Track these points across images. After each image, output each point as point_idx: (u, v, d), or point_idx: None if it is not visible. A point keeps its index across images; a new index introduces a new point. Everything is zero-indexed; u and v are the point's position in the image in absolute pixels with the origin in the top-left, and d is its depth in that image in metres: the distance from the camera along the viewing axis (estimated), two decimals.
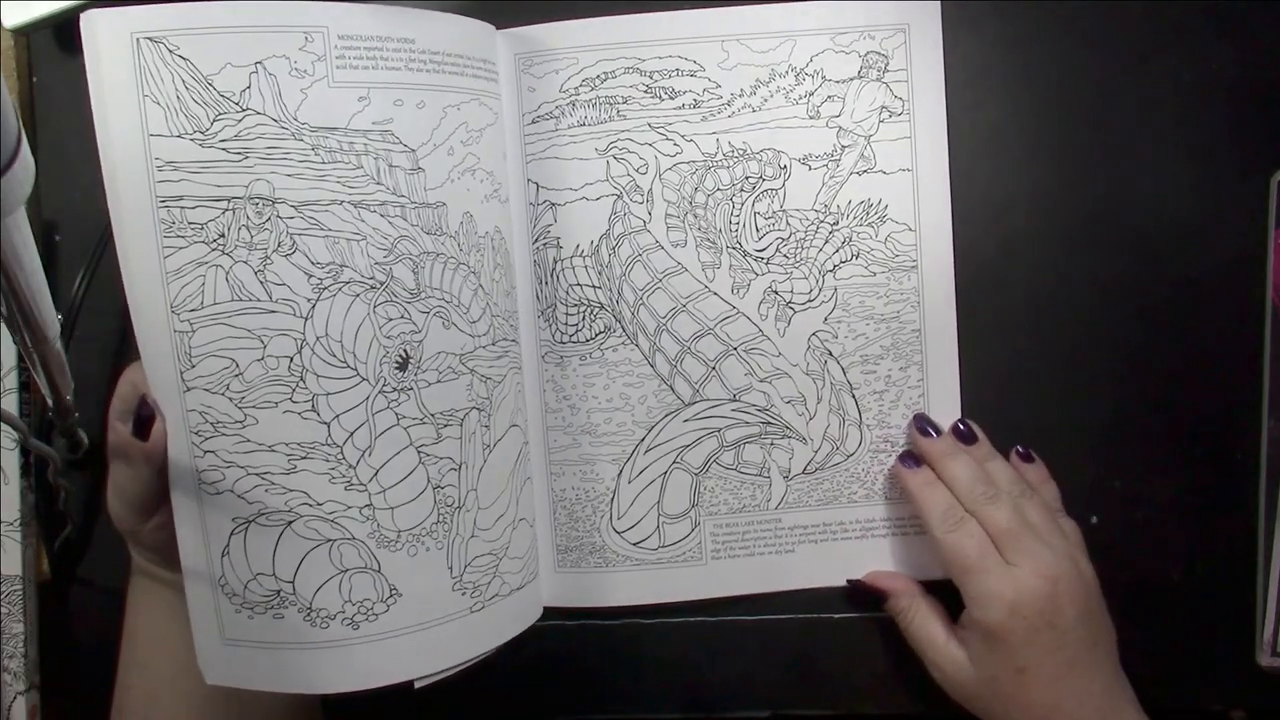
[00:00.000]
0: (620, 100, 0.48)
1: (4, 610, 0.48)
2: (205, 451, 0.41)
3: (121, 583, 0.46)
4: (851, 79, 0.48)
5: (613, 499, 0.49)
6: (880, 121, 0.48)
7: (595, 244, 0.48)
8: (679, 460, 0.49)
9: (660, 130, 0.48)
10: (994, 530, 0.44)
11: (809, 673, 0.51)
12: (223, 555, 0.41)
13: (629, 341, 0.49)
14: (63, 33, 0.50)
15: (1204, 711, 0.50)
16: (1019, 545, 0.44)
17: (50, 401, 0.42)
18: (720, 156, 0.48)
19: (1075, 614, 0.43)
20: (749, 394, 0.49)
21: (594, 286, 0.48)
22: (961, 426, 0.48)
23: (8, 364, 0.49)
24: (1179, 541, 0.50)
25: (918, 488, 0.47)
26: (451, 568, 0.44)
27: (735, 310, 0.49)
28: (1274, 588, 0.48)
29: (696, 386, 0.49)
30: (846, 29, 0.47)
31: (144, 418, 0.41)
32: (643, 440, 0.49)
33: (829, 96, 0.48)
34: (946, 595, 0.47)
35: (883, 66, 0.48)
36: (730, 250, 0.48)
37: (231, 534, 0.41)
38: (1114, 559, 0.47)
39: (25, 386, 0.50)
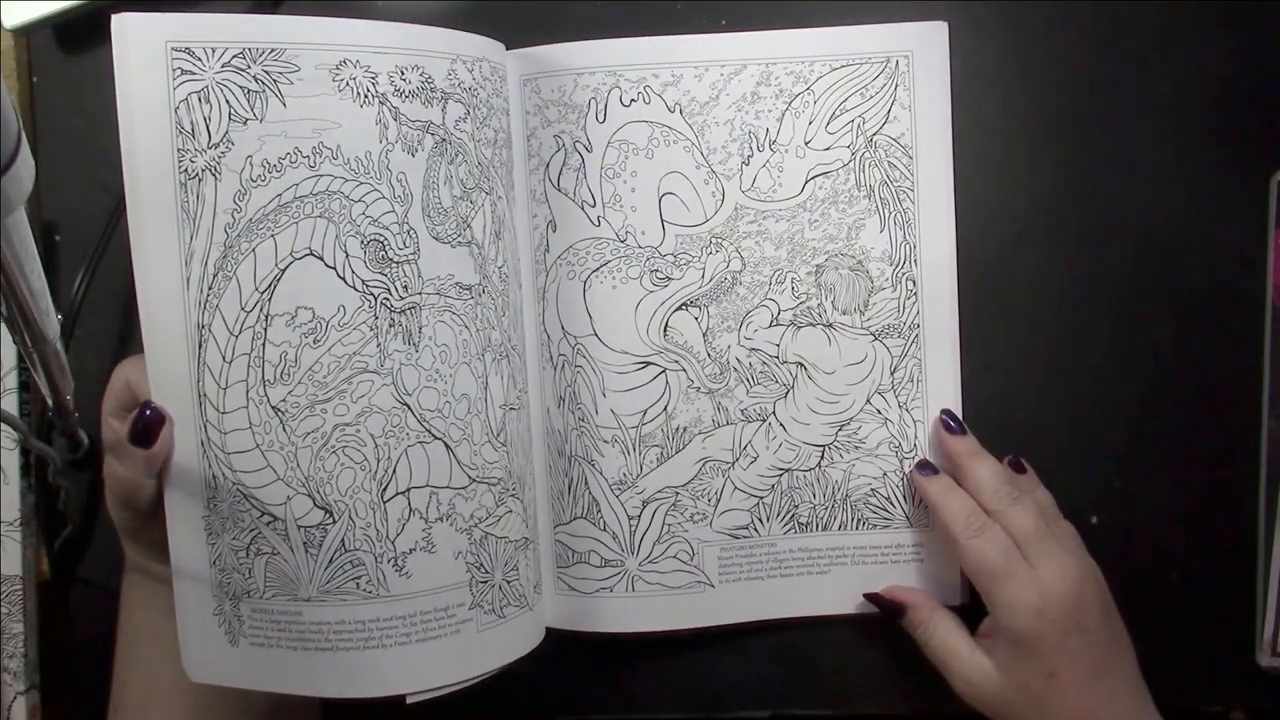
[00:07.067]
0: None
1: (4, 610, 0.48)
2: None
3: (121, 582, 0.46)
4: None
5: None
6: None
7: None
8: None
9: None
10: (1018, 532, 0.44)
11: (809, 673, 0.51)
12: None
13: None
14: (63, 33, 0.50)
15: (1204, 711, 0.50)
16: (1042, 547, 0.43)
17: (50, 401, 0.42)
18: None
19: (1099, 613, 0.43)
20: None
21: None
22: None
23: (8, 364, 0.49)
24: (1179, 541, 0.50)
25: (938, 494, 0.46)
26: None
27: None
28: (1274, 588, 0.48)
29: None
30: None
31: (150, 422, 0.39)
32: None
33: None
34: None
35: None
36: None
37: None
38: (1114, 559, 0.47)
39: (25, 386, 0.50)
